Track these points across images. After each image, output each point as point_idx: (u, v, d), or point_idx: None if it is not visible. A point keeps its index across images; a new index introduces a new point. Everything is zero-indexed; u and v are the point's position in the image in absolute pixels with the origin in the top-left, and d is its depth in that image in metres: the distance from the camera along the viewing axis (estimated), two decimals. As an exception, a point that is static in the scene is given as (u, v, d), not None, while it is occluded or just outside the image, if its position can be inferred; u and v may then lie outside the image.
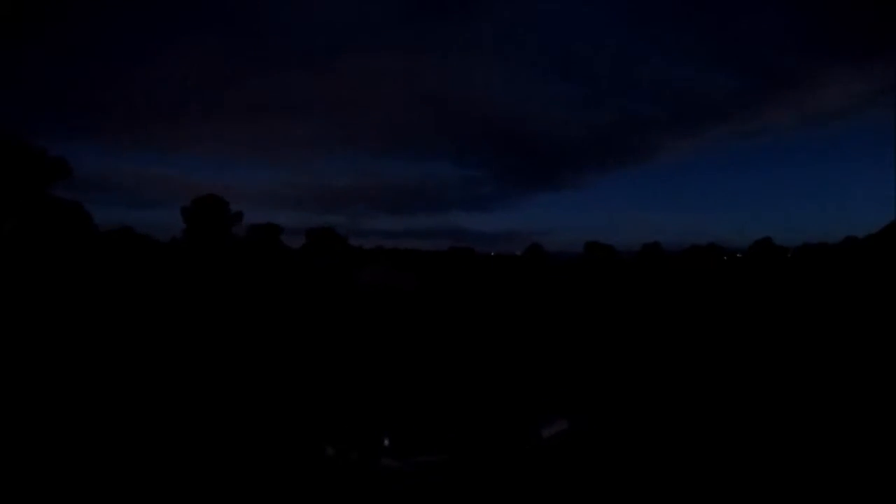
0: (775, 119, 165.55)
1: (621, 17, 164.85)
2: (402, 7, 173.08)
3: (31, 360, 7.89)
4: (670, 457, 4.44)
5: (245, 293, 20.67)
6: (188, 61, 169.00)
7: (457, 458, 2.58)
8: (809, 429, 5.51)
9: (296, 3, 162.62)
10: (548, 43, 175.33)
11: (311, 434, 4.20)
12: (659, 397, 6.47)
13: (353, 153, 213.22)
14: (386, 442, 2.89)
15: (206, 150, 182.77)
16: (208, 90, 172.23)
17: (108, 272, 26.20)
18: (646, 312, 16.93)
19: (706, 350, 9.83)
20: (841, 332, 12.41)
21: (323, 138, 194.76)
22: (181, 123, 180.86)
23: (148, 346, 9.10)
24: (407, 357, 8.23)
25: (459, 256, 76.56)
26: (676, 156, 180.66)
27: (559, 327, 12.67)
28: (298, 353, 8.56)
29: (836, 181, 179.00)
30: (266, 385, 6.62)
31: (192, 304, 16.29)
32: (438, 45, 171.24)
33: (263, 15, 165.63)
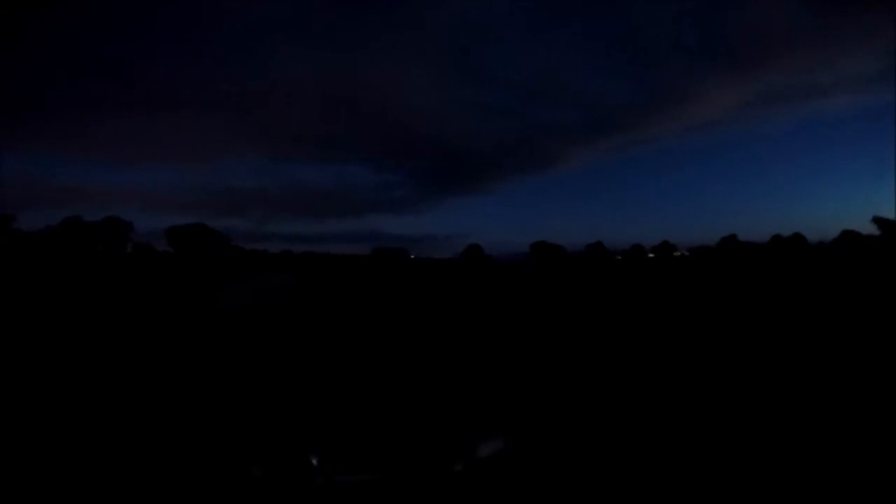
0: (663, 128, 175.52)
1: (532, 27, 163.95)
2: (316, 8, 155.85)
3: None
4: (610, 474, 4.10)
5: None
6: (73, 52, 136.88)
7: (386, 478, 2.45)
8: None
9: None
10: (461, 50, 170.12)
11: (236, 454, 3.93)
12: (609, 410, 5.71)
13: (258, 156, 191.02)
14: (314, 461, 2.74)
15: (93, 151, 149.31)
16: (97, 85, 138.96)
17: None
18: (602, 310, 15.26)
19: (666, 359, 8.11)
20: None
21: (227, 140, 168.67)
22: (67, 122, 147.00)
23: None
24: (335, 368, 7.56)
25: (386, 259, 63.89)
26: (585, 161, 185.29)
27: (507, 332, 10.81)
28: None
29: (718, 186, 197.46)
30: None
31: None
32: (352, 48, 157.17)
33: (166, 7, 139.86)
